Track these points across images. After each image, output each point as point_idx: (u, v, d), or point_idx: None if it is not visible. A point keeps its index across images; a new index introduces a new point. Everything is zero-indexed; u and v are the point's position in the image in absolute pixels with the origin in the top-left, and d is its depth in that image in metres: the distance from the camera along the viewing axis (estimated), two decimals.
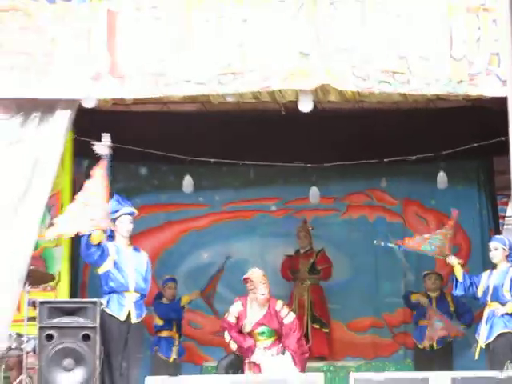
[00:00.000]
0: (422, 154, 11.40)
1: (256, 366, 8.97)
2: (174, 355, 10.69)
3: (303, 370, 8.99)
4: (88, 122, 9.26)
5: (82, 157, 10.89)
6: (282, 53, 8.17)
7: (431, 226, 12.23)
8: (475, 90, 8.31)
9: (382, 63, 8.21)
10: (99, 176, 8.20)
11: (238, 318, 9.12)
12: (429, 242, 9.33)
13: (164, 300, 10.86)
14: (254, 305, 9.11)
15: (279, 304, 9.19)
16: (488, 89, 8.27)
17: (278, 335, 9.11)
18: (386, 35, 8.23)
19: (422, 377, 8.04)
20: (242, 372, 9.03)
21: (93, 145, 8.18)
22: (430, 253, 9.42)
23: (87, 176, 11.17)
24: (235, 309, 9.15)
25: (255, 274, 9.15)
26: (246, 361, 9.05)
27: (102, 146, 8.16)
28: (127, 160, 11.32)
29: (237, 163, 11.38)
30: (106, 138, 8.17)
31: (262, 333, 9.11)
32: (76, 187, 10.76)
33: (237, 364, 9.16)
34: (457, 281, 9.48)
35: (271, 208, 12.21)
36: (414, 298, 11.17)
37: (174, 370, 10.36)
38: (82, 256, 8.48)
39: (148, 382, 7.69)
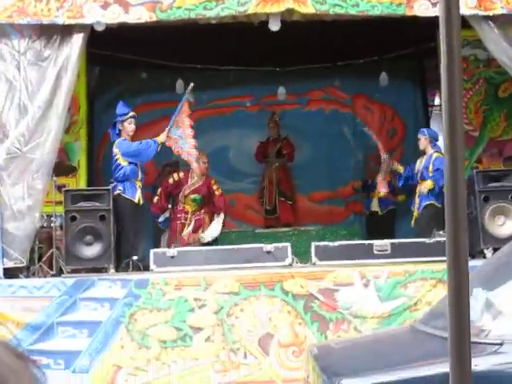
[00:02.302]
0: (368, 57, 11.35)
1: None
2: None
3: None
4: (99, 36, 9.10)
5: (93, 65, 10.74)
6: None
7: (375, 114, 12.28)
8: (411, 11, 8.30)
9: None
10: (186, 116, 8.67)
11: (177, 183, 9.43)
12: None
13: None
14: (195, 176, 9.47)
15: (213, 180, 9.66)
16: (421, 10, 8.25)
17: (204, 203, 9.50)
18: None
19: (367, 243, 8.20)
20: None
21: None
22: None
23: (98, 81, 11.14)
24: (178, 175, 9.51)
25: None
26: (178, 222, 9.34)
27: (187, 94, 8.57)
28: (130, 67, 11.20)
29: (219, 68, 11.30)
30: (190, 86, 8.55)
31: (194, 199, 9.41)
32: (89, 91, 10.68)
33: None
34: (400, 175, 9.67)
35: (247, 104, 12.11)
36: (355, 185, 11.31)
37: None
38: (144, 154, 8.56)
39: (153, 252, 7.86)
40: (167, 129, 8.58)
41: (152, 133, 11.38)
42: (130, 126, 8.57)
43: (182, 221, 9.32)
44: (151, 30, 8.66)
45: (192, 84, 8.57)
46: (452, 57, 2.27)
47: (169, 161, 10.64)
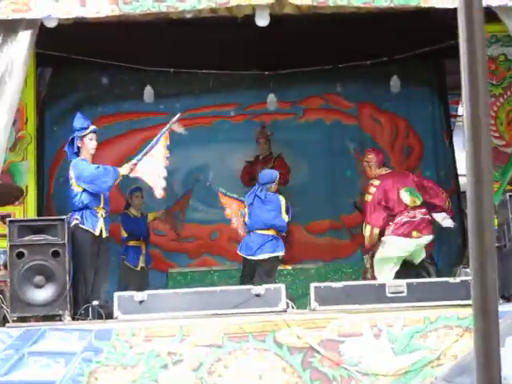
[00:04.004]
0: (375, 57, 11.40)
1: None
2: (141, 263, 10.70)
3: None
4: (50, 33, 9.12)
5: (44, 69, 10.77)
6: None
7: (385, 128, 12.29)
8: (427, 1, 8.40)
9: None
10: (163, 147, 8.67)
11: None
12: None
13: (131, 211, 10.83)
14: None
15: None
16: (439, 1, 8.35)
17: None
18: None
19: (378, 283, 8.19)
20: None
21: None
22: None
23: (50, 89, 11.14)
24: None
25: None
26: None
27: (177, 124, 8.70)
28: (88, 70, 11.22)
29: (196, 71, 11.35)
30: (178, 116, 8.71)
31: None
32: (39, 99, 10.67)
33: None
34: None
35: (230, 114, 12.12)
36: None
37: (142, 277, 10.49)
38: (99, 182, 8.47)
39: (117, 296, 7.82)
40: (135, 160, 8.56)
41: (113, 151, 11.46)
42: (91, 143, 8.56)
43: None
44: (113, 26, 8.69)
45: (179, 114, 8.57)
46: (473, 55, 2.24)
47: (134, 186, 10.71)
